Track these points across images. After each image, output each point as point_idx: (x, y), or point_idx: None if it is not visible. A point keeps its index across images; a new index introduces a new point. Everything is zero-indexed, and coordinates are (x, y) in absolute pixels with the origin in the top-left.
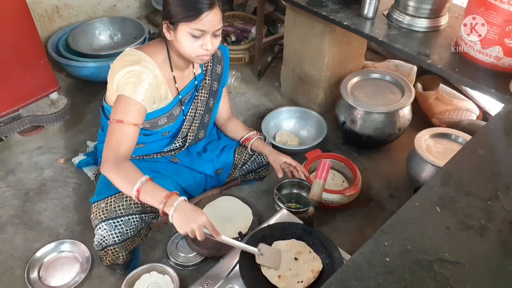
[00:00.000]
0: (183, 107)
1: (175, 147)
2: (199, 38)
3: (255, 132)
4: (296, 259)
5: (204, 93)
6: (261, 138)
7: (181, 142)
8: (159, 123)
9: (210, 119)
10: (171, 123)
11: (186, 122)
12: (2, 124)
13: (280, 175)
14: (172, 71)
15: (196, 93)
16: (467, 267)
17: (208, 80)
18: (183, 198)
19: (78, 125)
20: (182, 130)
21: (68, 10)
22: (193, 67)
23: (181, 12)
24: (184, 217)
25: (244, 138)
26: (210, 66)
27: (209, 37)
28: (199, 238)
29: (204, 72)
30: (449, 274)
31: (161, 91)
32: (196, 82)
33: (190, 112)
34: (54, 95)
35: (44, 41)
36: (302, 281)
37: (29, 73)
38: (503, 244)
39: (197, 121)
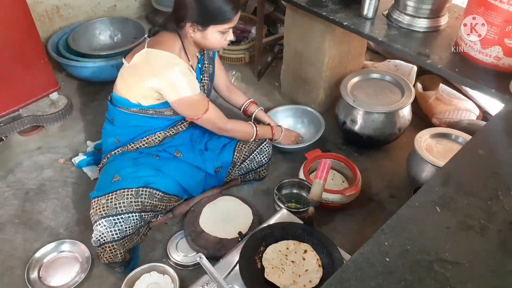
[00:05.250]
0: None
1: (178, 130)
2: (224, 34)
3: (251, 99)
4: (293, 262)
5: (206, 77)
6: (262, 109)
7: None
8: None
9: None
10: None
11: None
12: (2, 124)
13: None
14: (189, 60)
15: (201, 77)
16: (467, 267)
17: (207, 63)
18: (281, 129)
19: (78, 125)
20: None
21: (68, 10)
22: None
23: (214, 17)
24: (283, 138)
25: (243, 107)
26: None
27: (231, 29)
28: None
29: (202, 55)
30: (449, 274)
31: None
32: (199, 66)
33: None
34: (54, 95)
35: (44, 41)
36: (310, 281)
37: (29, 73)
38: (503, 244)
39: None
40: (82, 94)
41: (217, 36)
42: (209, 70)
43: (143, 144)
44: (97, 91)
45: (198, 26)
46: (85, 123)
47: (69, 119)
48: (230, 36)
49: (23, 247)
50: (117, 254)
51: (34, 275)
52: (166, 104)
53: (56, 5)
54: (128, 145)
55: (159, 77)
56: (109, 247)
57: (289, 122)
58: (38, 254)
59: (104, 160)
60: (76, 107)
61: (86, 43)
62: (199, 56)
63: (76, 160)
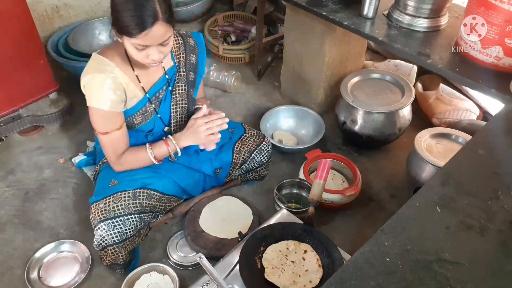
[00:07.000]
0: (153, 105)
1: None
2: (143, 50)
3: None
4: (293, 262)
5: (181, 85)
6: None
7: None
8: (135, 122)
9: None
10: (148, 119)
11: (173, 120)
12: (2, 124)
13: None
14: (134, 70)
15: (173, 88)
16: (467, 267)
17: (183, 71)
18: (171, 136)
19: (78, 125)
20: (172, 128)
21: (68, 10)
22: (162, 62)
23: (123, 26)
24: (190, 138)
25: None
26: (183, 57)
27: (154, 48)
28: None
29: (177, 64)
30: (449, 274)
31: (124, 92)
32: (167, 77)
33: (173, 110)
34: (54, 95)
35: (44, 41)
36: (310, 281)
37: (29, 73)
38: (503, 244)
39: (182, 115)
40: (82, 94)
41: (134, 50)
42: (189, 78)
43: None
44: None
45: (117, 32)
46: (85, 123)
47: (69, 119)
48: (154, 56)
49: (23, 247)
50: (118, 256)
51: (34, 275)
52: (128, 113)
53: (56, 5)
54: None
55: (81, 80)
56: (111, 250)
57: (289, 123)
58: (38, 254)
59: (97, 167)
60: (76, 107)
61: (86, 43)
62: (170, 65)
63: (76, 160)
